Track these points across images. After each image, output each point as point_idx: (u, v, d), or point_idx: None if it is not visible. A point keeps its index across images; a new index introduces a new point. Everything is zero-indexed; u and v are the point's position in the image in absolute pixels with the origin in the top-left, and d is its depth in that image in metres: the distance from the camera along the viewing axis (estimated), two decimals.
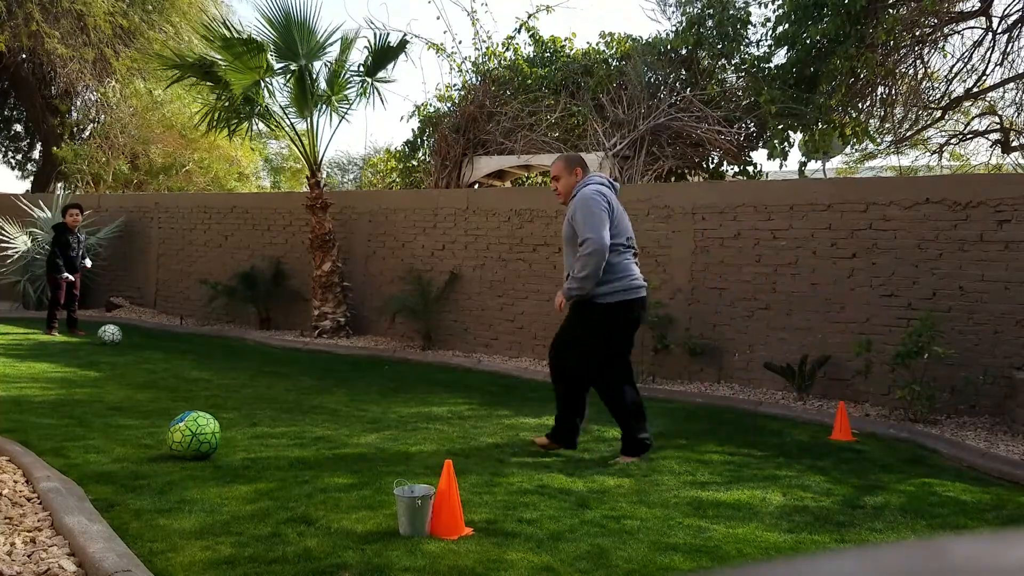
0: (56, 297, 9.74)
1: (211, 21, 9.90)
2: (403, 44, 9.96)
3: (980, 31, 9.69)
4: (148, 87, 15.32)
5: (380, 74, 10.04)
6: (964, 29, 9.78)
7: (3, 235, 12.17)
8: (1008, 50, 9.59)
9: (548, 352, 4.98)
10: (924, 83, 9.93)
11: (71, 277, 9.67)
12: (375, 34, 9.79)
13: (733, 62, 10.07)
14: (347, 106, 10.16)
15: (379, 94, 10.11)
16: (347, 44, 9.78)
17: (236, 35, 9.23)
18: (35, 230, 12.25)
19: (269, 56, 9.39)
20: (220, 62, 9.39)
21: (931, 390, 6.02)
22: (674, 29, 10.22)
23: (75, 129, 16.71)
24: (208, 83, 9.76)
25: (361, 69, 9.94)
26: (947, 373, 6.22)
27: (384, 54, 9.88)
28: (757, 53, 9.90)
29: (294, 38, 9.42)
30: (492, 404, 6.38)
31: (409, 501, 3.34)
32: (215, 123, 10.00)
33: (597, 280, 4.53)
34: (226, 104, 9.81)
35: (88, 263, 10.10)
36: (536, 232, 8.82)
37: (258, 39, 9.31)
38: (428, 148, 11.67)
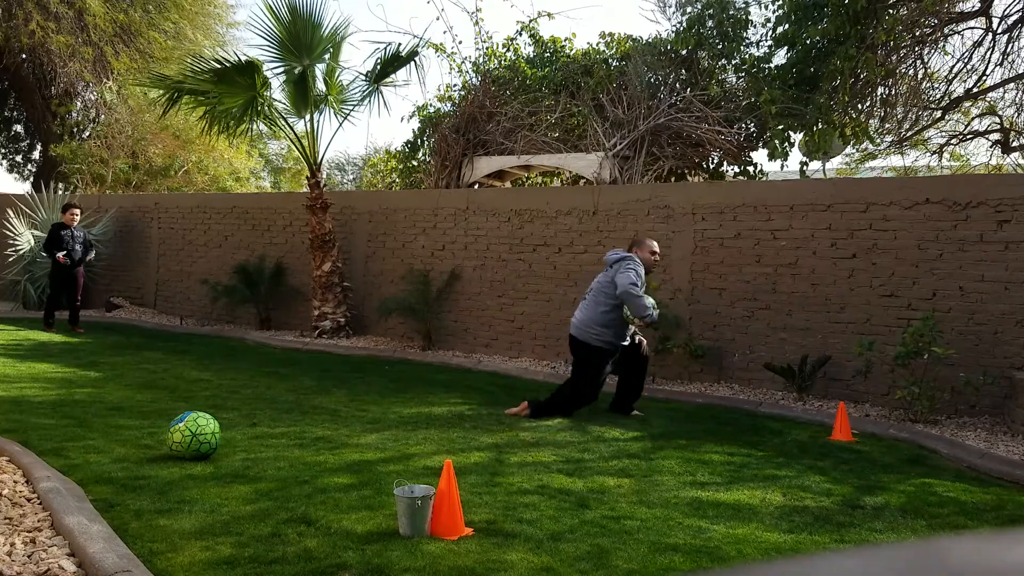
0: (54, 293, 10.15)
1: (199, 57, 9.88)
2: (413, 54, 9.92)
3: (980, 31, 9.67)
4: (143, 91, 15.29)
5: (386, 80, 10.01)
6: (964, 29, 9.76)
7: (10, 231, 12.17)
8: (1008, 50, 9.58)
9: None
10: (924, 83, 9.91)
11: (60, 257, 9.96)
12: (386, 46, 9.80)
13: (733, 62, 10.05)
14: (349, 107, 10.15)
15: (383, 100, 10.10)
16: (338, 43, 9.74)
17: (229, 65, 9.24)
18: (35, 231, 12.25)
19: (265, 71, 9.37)
20: (214, 90, 9.34)
21: (931, 390, 6.02)
22: (674, 29, 10.21)
23: (75, 129, 16.68)
24: (204, 98, 9.62)
25: (369, 75, 9.90)
26: (947, 373, 6.22)
27: (393, 63, 9.85)
28: (757, 53, 9.89)
29: (299, 34, 9.38)
30: (492, 404, 6.37)
31: (409, 501, 3.34)
32: (212, 124, 9.96)
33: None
34: (224, 109, 9.76)
35: (91, 255, 10.49)
36: (536, 232, 8.82)
37: (253, 60, 9.29)
38: (428, 148, 11.66)
